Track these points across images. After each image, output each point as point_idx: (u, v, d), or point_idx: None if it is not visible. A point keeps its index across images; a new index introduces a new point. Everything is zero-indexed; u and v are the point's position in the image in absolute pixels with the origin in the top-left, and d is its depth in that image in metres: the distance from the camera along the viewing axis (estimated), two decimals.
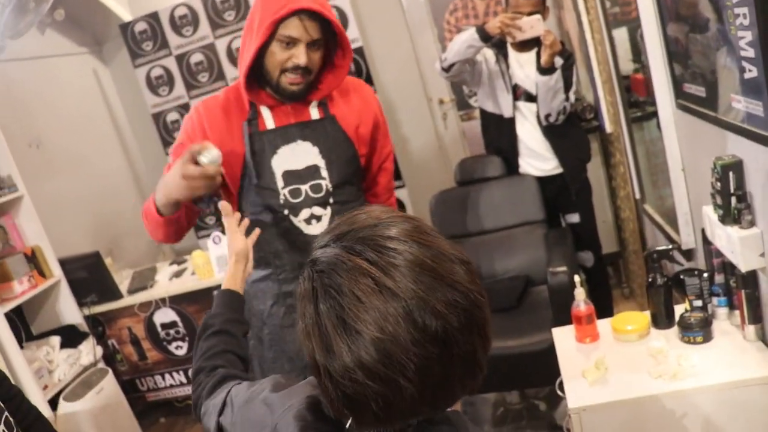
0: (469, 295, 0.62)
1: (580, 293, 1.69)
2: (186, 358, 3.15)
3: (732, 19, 1.24)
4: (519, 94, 2.69)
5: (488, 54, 2.70)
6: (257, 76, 1.56)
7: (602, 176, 3.31)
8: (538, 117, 2.66)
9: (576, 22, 2.94)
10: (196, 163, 1.42)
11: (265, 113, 1.59)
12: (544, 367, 1.82)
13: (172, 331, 3.12)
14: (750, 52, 1.19)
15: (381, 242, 0.62)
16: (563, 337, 1.77)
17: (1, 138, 2.76)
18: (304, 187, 1.58)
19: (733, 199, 1.39)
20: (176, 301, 3.07)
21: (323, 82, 1.60)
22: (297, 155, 1.58)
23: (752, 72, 1.20)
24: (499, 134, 2.80)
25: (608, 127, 2.88)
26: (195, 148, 1.41)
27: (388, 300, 0.59)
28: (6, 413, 1.47)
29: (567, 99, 2.56)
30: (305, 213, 1.59)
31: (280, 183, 1.58)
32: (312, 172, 1.59)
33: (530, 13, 2.48)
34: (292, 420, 0.75)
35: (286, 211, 1.59)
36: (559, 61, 2.53)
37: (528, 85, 2.65)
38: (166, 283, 3.17)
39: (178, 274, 3.24)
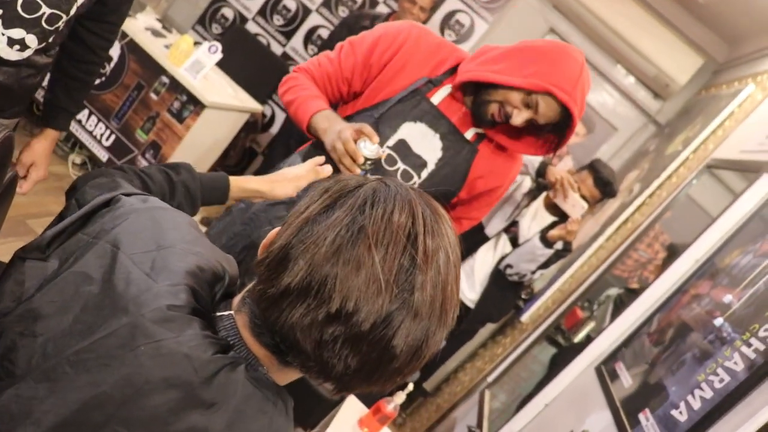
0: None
1: (399, 397, 1.70)
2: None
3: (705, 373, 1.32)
4: (510, 231, 2.73)
5: (527, 183, 2.74)
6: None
7: (484, 339, 3.40)
8: (502, 259, 2.71)
9: (592, 236, 3.06)
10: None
11: (444, 91, 1.52)
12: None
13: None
14: (682, 409, 1.27)
15: (436, 229, 0.65)
16: (352, 410, 1.77)
17: None
18: (400, 164, 1.53)
19: None
20: (131, 48, 2.84)
21: (507, 131, 1.54)
22: (424, 142, 1.53)
23: (682, 415, 1.27)
24: (467, 238, 2.83)
25: (525, 318, 2.98)
26: (366, 131, 1.38)
27: (374, 258, 0.61)
28: None
29: (533, 273, 2.63)
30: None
31: (389, 141, 1.51)
32: (416, 163, 1.54)
33: (584, 197, 2.55)
34: (194, 261, 0.70)
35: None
36: (559, 245, 2.60)
37: (523, 233, 2.70)
38: (140, 28, 2.93)
39: (155, 33, 3.01)
